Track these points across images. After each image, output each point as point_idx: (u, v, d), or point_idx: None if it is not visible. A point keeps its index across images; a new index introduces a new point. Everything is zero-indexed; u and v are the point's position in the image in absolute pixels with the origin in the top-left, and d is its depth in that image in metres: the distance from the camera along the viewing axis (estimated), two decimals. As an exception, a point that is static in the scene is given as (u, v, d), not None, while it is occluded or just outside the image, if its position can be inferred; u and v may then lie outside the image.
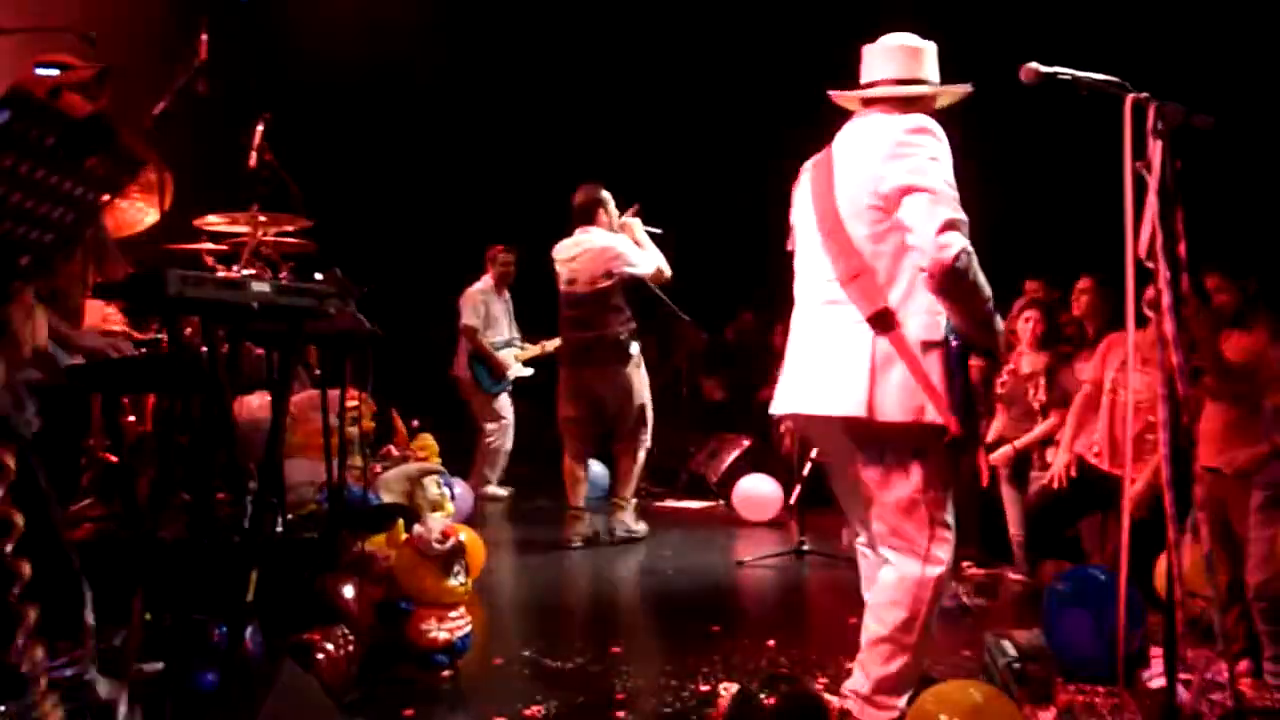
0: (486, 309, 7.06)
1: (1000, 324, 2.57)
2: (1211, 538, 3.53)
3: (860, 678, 2.69)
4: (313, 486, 3.84)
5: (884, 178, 2.52)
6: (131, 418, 3.75)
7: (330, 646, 3.00)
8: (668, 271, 5.56)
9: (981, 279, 2.46)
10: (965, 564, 5.09)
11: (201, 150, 4.41)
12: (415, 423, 5.97)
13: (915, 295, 2.53)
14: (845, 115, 2.87)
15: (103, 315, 3.66)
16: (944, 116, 2.71)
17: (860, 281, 2.55)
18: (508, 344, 7.17)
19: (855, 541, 2.94)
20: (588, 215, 5.53)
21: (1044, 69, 2.31)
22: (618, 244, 5.46)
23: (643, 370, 5.61)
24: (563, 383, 5.65)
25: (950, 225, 2.41)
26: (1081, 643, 3.19)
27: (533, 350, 7.14)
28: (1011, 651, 3.46)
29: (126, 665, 2.77)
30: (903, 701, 2.67)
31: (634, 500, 5.78)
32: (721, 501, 7.02)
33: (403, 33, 7.98)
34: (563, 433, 5.72)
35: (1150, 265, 2.17)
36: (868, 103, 2.77)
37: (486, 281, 7.16)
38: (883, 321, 2.51)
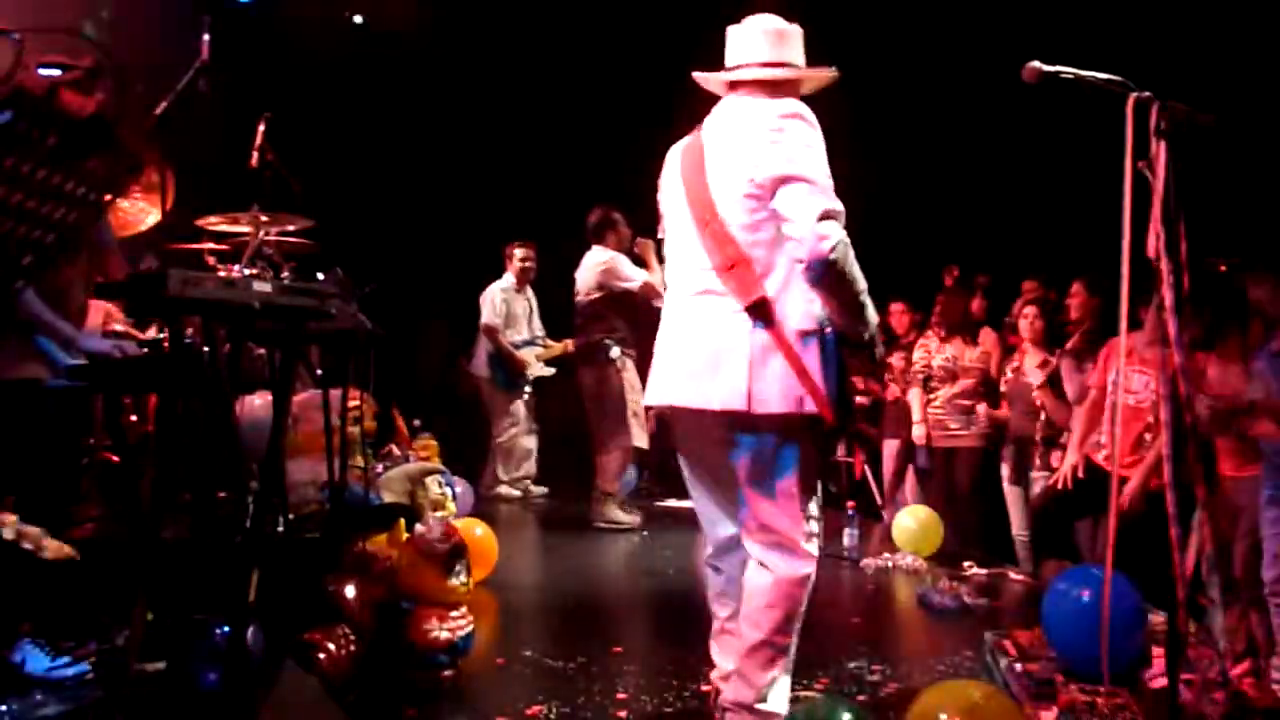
0: (507, 307, 7.03)
1: (874, 316, 2.52)
2: (1212, 538, 3.55)
3: (742, 688, 2.61)
4: (314, 486, 3.84)
5: (759, 165, 2.45)
6: (133, 417, 3.76)
7: (331, 646, 3.00)
8: (661, 290, 5.62)
9: (857, 270, 2.42)
10: (967, 564, 5.10)
11: (203, 150, 4.41)
12: (417, 422, 5.98)
13: (792, 285, 2.48)
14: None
15: (105, 315, 3.67)
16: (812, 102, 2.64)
17: (737, 271, 2.49)
18: (528, 343, 7.14)
19: (705, 557, 2.88)
20: (598, 234, 6.08)
21: (1046, 68, 2.31)
22: (613, 261, 5.98)
23: (627, 374, 5.93)
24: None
25: (827, 215, 2.37)
26: (1082, 642, 3.18)
27: (555, 349, 7.09)
28: (1013, 651, 3.46)
29: (127, 665, 2.78)
30: (783, 709, 2.63)
31: (619, 494, 6.09)
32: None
33: (403, 32, 7.98)
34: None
35: (1157, 265, 2.17)
36: (733, 86, 2.68)
37: (507, 279, 7.12)
38: (760, 312, 2.47)
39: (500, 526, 4.66)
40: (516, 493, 7.13)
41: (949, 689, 2.65)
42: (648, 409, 2.68)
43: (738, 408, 2.47)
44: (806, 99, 2.65)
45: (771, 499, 2.58)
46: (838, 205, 2.41)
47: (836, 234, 2.36)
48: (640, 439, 6.01)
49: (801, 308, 2.49)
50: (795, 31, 2.71)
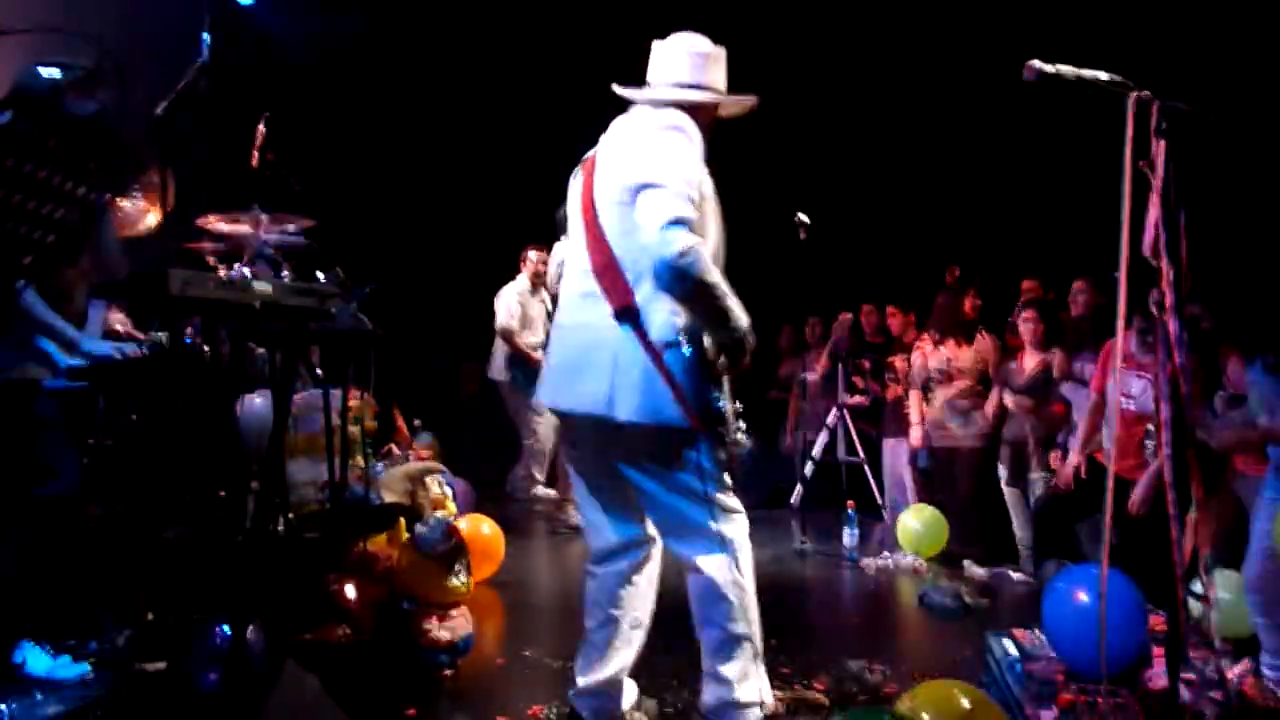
0: (523, 309, 7.03)
1: (742, 323, 2.49)
2: (1211, 538, 3.55)
3: (717, 687, 2.63)
4: (314, 486, 3.84)
5: (628, 172, 2.50)
6: (134, 417, 3.76)
7: (332, 646, 3.00)
8: None
9: (713, 277, 2.41)
10: (968, 563, 5.10)
11: (203, 150, 4.41)
12: (417, 422, 5.98)
13: (660, 293, 2.48)
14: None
15: (106, 315, 3.67)
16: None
17: (609, 276, 2.53)
18: (544, 345, 7.14)
19: (585, 564, 2.86)
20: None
21: (1046, 67, 2.31)
22: None
23: None
24: None
25: (677, 222, 2.37)
26: (1082, 642, 3.18)
27: None
28: (1013, 651, 3.46)
29: (128, 665, 2.78)
30: (768, 697, 2.65)
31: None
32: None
33: (404, 32, 7.99)
34: None
35: (1155, 264, 2.17)
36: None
37: (522, 281, 7.12)
38: (628, 318, 2.49)
39: (501, 527, 4.65)
40: (554, 493, 7.14)
41: (930, 690, 2.61)
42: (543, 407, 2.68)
43: (601, 413, 2.50)
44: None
45: (666, 500, 2.59)
46: (692, 214, 2.41)
47: (684, 240, 2.36)
48: None
49: (667, 316, 2.49)
50: (718, 54, 2.74)
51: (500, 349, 7.06)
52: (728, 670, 2.60)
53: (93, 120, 2.48)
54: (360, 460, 4.10)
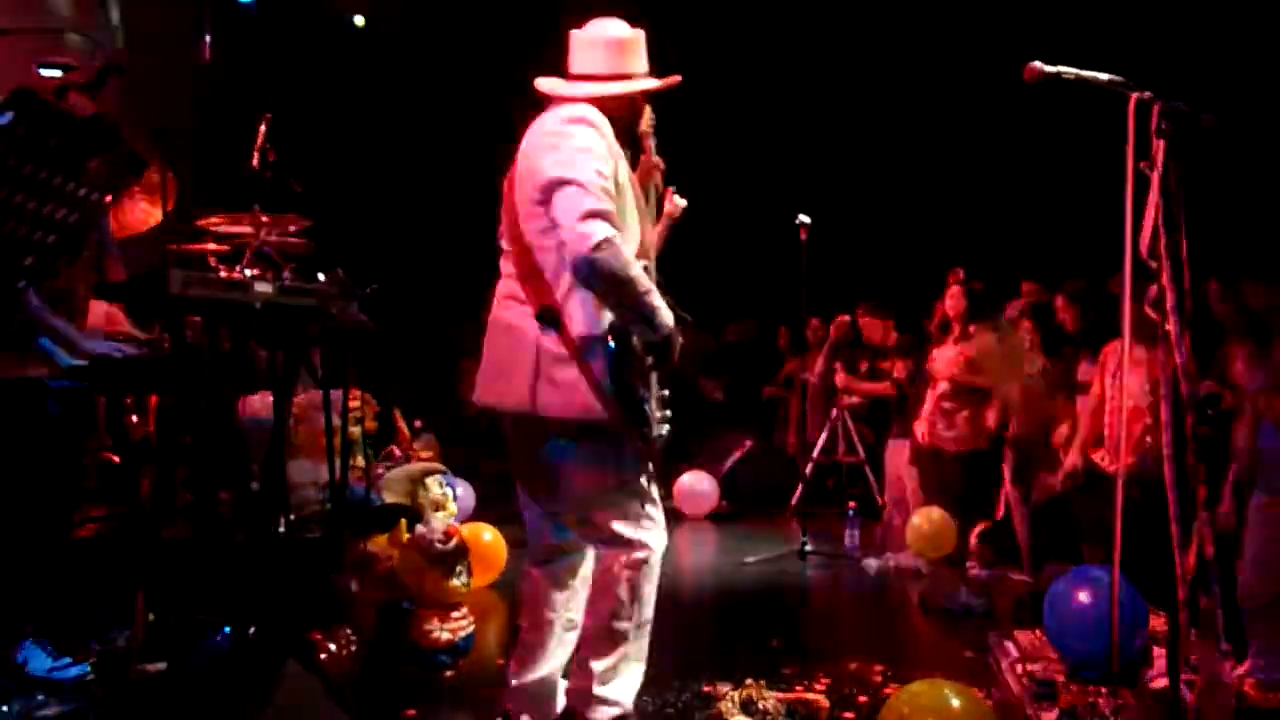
0: None
1: (665, 319, 2.47)
2: (1213, 539, 3.54)
3: (580, 675, 2.65)
4: (315, 487, 3.84)
5: (538, 171, 2.49)
6: (134, 418, 3.76)
7: (333, 646, 3.00)
8: None
9: (633, 272, 2.39)
10: (969, 564, 5.10)
11: (204, 150, 4.41)
12: (418, 423, 5.97)
13: (578, 291, 2.48)
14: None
15: (106, 316, 3.67)
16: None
17: (530, 278, 2.54)
18: None
19: (525, 565, 2.86)
20: None
21: (1048, 68, 2.31)
22: None
23: None
24: None
25: (592, 215, 2.36)
26: (1083, 643, 3.18)
27: None
28: (1014, 652, 3.46)
29: (128, 665, 2.78)
30: (627, 699, 2.65)
31: None
32: (724, 501, 7.03)
33: (406, 29, 7.99)
34: None
35: (1154, 265, 2.17)
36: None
37: None
38: (548, 318, 2.50)
39: (502, 527, 4.65)
40: None
41: (919, 689, 2.59)
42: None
43: (524, 410, 2.51)
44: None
45: (585, 497, 2.59)
46: (607, 206, 2.40)
47: (600, 233, 2.34)
48: None
49: (587, 314, 2.49)
50: (633, 39, 2.70)
51: None
52: (596, 663, 2.62)
53: (93, 120, 2.48)
54: (361, 461, 4.10)
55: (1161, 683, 2.95)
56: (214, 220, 3.83)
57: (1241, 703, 2.97)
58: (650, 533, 2.63)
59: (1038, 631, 3.48)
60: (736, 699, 3.06)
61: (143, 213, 3.90)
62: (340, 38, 7.70)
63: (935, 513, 5.45)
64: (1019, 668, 3.30)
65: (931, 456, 5.82)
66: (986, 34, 7.06)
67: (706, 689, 3.13)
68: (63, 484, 3.09)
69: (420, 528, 3.50)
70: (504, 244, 2.67)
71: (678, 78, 2.73)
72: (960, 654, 3.67)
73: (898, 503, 6.26)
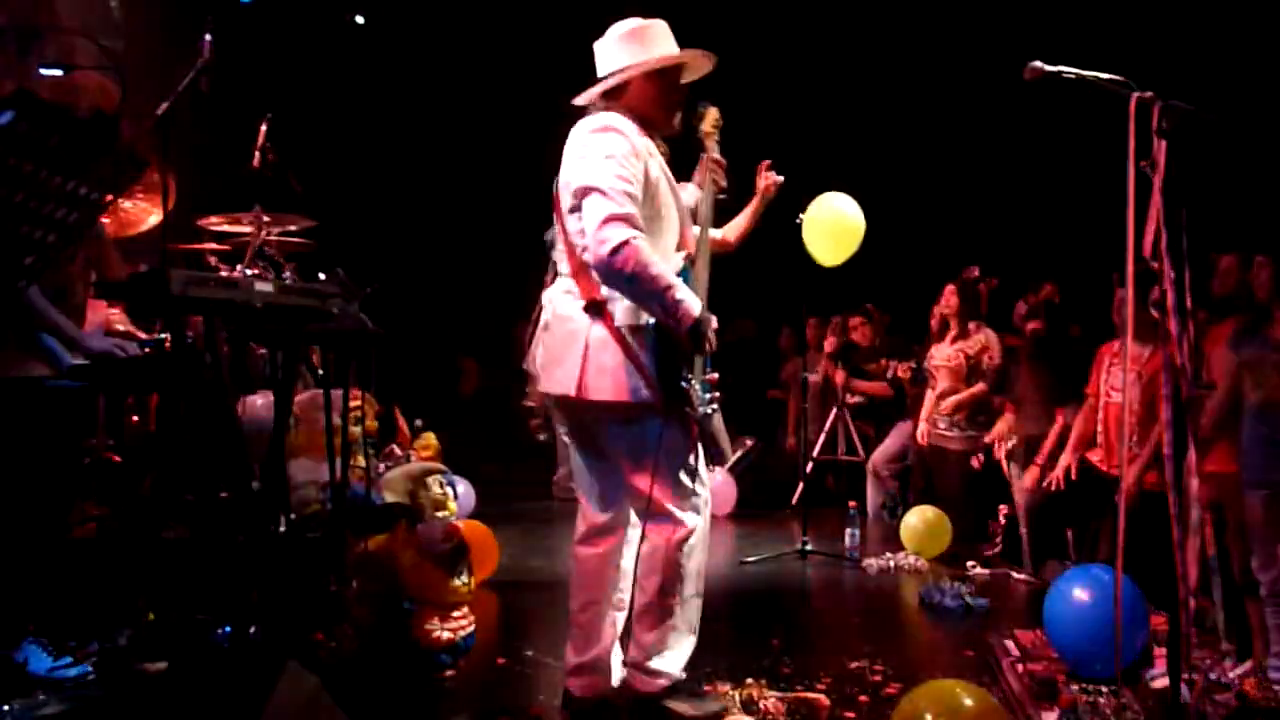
0: None
1: (688, 309, 2.62)
2: (1214, 539, 3.54)
3: (633, 649, 2.84)
4: (316, 486, 3.84)
5: (571, 179, 2.72)
6: (135, 417, 3.76)
7: (333, 646, 3.00)
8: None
9: (652, 270, 2.57)
10: (970, 563, 5.10)
11: (204, 150, 4.41)
12: (419, 422, 5.97)
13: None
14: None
15: (106, 315, 3.67)
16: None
17: (579, 273, 2.76)
18: None
19: (573, 546, 2.99)
20: None
21: (1048, 67, 2.31)
22: None
23: None
24: None
25: (612, 219, 2.56)
26: (1084, 642, 3.18)
27: None
28: (1015, 651, 3.46)
29: (129, 665, 2.78)
30: (675, 669, 2.83)
31: None
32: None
33: (406, 30, 7.98)
34: None
35: (1155, 265, 2.17)
36: (606, 97, 2.87)
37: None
38: (595, 309, 2.72)
39: (503, 527, 4.66)
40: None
41: (934, 688, 2.61)
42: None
43: (571, 394, 2.72)
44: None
45: (635, 474, 2.77)
46: (627, 210, 2.59)
47: (618, 236, 2.55)
48: None
49: (628, 306, 2.71)
50: (642, 29, 2.83)
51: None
52: (645, 637, 2.82)
53: (93, 120, 2.48)
54: (361, 460, 4.10)
55: (1162, 682, 2.95)
56: (214, 220, 3.83)
57: (1242, 702, 2.96)
58: (694, 510, 2.81)
59: (1038, 631, 3.48)
60: (737, 699, 3.07)
61: (143, 213, 3.90)
62: (341, 36, 7.69)
63: (931, 512, 5.46)
64: (1019, 667, 3.30)
65: (931, 456, 5.83)
66: (987, 34, 7.06)
67: (707, 689, 3.13)
68: (62, 483, 3.09)
69: (420, 527, 3.49)
70: (557, 243, 2.88)
71: (675, 54, 2.84)
72: (960, 654, 3.67)
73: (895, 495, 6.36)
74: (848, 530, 5.58)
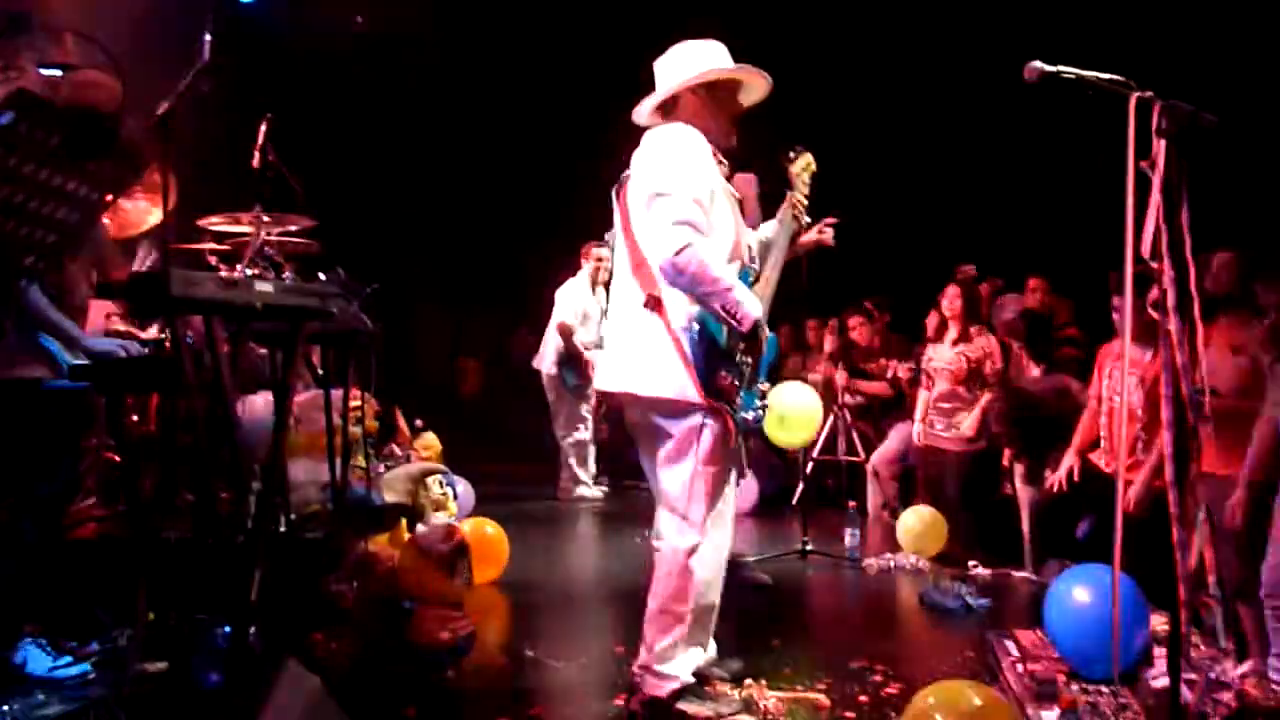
0: (583, 307, 7.02)
1: (748, 311, 2.72)
2: (1214, 539, 3.54)
3: (644, 652, 2.90)
4: (316, 486, 3.84)
5: (643, 184, 2.85)
6: (135, 418, 3.76)
7: (333, 646, 3.00)
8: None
9: (713, 272, 2.70)
10: (971, 564, 5.10)
11: (205, 150, 4.41)
12: (419, 422, 5.97)
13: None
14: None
15: (107, 315, 3.67)
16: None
17: (640, 271, 2.88)
18: (599, 345, 7.11)
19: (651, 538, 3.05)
20: None
21: (1048, 68, 2.31)
22: None
23: None
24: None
25: (676, 224, 2.70)
26: (1084, 642, 3.18)
27: None
28: (1015, 651, 3.46)
29: (129, 665, 2.78)
30: (683, 672, 2.88)
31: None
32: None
33: (405, 31, 7.98)
34: None
35: (1155, 265, 2.17)
36: (665, 113, 3.03)
37: (582, 278, 7.09)
38: (653, 306, 2.82)
39: (503, 527, 4.65)
40: (598, 493, 7.11)
41: (946, 689, 2.61)
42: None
43: (629, 390, 2.85)
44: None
45: (666, 472, 2.87)
46: (689, 215, 2.71)
47: (679, 240, 2.68)
48: None
49: (682, 305, 2.80)
50: (691, 50, 2.97)
51: (553, 342, 7.05)
52: (655, 640, 2.88)
53: (93, 120, 2.48)
54: (361, 460, 4.10)
55: (1162, 682, 2.95)
56: (214, 220, 3.83)
57: (1243, 702, 2.96)
58: (714, 519, 2.87)
59: (1038, 631, 3.48)
60: (737, 698, 3.07)
61: (143, 213, 3.90)
62: (341, 36, 7.69)
63: (927, 511, 5.45)
64: (1019, 667, 3.29)
65: (930, 456, 5.82)
66: (987, 34, 7.06)
67: (707, 689, 3.13)
68: (62, 484, 3.09)
69: (420, 527, 3.50)
70: (617, 244, 3.02)
71: (719, 70, 2.96)
72: (960, 654, 3.67)
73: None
74: (848, 530, 5.57)
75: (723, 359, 2.78)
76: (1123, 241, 2.20)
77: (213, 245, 4.05)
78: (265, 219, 3.66)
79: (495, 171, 8.66)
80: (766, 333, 2.82)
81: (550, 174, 8.28)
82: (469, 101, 8.75)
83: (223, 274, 3.26)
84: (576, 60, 8.31)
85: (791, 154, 3.30)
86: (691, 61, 2.96)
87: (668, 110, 3.00)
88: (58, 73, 2.77)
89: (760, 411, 2.88)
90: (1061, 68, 2.30)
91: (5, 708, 2.66)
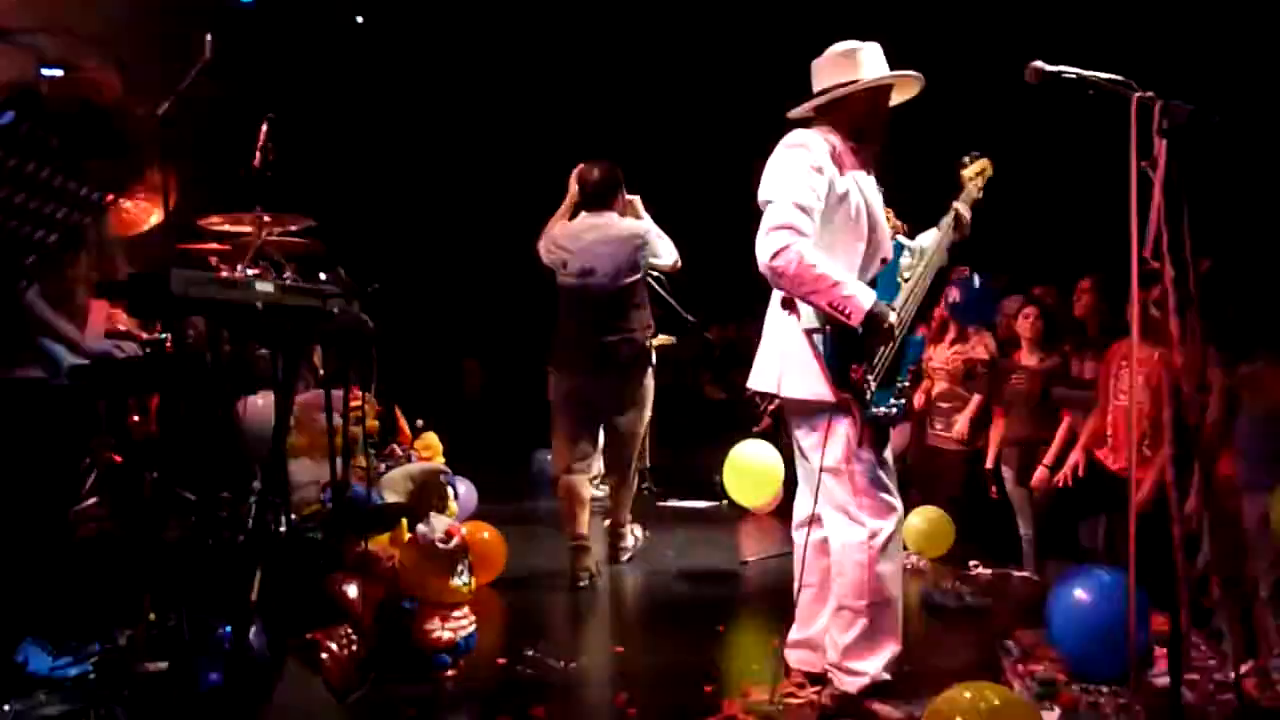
0: None
1: (859, 304, 2.73)
2: (1215, 539, 3.54)
3: (830, 649, 2.97)
4: (316, 486, 3.84)
5: (762, 190, 2.91)
6: (136, 418, 3.75)
7: (334, 646, 3.00)
8: (679, 263, 5.02)
9: (815, 271, 2.73)
10: (972, 563, 5.10)
11: (205, 150, 4.41)
12: (420, 422, 5.96)
13: None
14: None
15: (108, 315, 3.66)
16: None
17: None
18: None
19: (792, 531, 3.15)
20: (605, 198, 4.78)
21: (1049, 68, 2.31)
22: (644, 230, 4.78)
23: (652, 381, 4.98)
24: (565, 394, 4.80)
25: (776, 228, 2.76)
26: (1086, 642, 3.18)
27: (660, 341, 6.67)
28: (1016, 651, 3.46)
29: (130, 665, 2.78)
30: (873, 669, 2.91)
31: (631, 521, 5.31)
32: (725, 501, 7.02)
33: (405, 31, 7.99)
34: (561, 450, 4.89)
35: (1155, 264, 2.16)
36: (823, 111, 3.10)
37: None
38: (789, 307, 2.92)
39: (504, 527, 4.65)
40: (600, 492, 7.11)
41: (964, 691, 2.57)
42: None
43: (771, 390, 2.94)
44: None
45: (827, 473, 2.90)
46: (791, 220, 2.76)
47: (774, 244, 2.75)
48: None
49: (812, 307, 2.84)
50: (841, 53, 3.10)
51: None
52: (839, 637, 2.93)
53: (94, 120, 2.48)
54: (362, 460, 4.10)
55: (1163, 682, 2.94)
56: (215, 220, 3.83)
57: (1244, 703, 2.96)
58: (883, 513, 2.90)
59: (1039, 631, 3.48)
60: (737, 699, 3.06)
61: (143, 213, 3.90)
62: (341, 36, 7.69)
63: (933, 512, 5.45)
64: (1020, 667, 3.29)
65: (930, 456, 5.82)
66: (987, 33, 7.06)
67: (707, 689, 3.13)
68: (63, 484, 3.09)
69: (421, 527, 3.49)
70: None
71: (889, 75, 3.10)
72: (961, 654, 3.67)
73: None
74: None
75: (855, 354, 2.81)
76: (1125, 241, 2.19)
77: (213, 245, 4.06)
78: (265, 219, 3.67)
79: (496, 171, 8.65)
80: (891, 321, 2.77)
81: (551, 174, 8.26)
82: (470, 101, 8.75)
83: (223, 274, 3.26)
84: (577, 60, 8.31)
85: (967, 159, 3.36)
86: (862, 65, 3.05)
87: (826, 109, 3.04)
88: (58, 72, 2.77)
89: (893, 409, 2.88)
90: (1062, 68, 2.30)
91: (6, 707, 2.66)
